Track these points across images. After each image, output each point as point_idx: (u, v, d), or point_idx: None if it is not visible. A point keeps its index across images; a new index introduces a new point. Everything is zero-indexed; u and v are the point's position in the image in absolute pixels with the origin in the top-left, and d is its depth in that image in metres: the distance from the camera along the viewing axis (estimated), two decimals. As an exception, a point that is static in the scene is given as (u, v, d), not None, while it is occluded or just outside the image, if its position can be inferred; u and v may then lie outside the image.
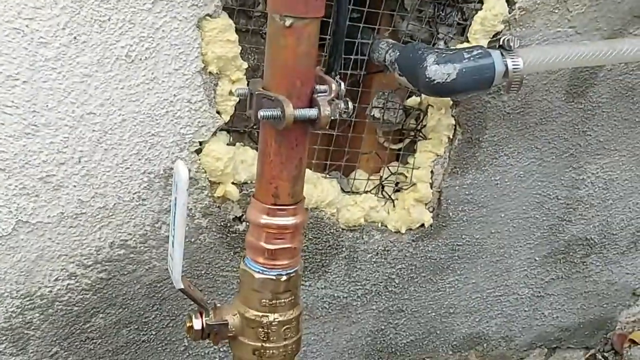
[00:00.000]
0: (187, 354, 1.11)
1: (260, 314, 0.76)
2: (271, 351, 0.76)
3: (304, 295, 1.17)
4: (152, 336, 1.07)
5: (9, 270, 0.92)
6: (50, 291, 0.96)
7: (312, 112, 0.69)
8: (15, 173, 0.87)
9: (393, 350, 1.33)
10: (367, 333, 1.28)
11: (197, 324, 0.76)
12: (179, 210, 0.70)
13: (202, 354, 1.13)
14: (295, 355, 0.79)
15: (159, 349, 1.09)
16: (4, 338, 0.95)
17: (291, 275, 0.76)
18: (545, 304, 1.46)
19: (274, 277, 0.75)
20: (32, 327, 0.97)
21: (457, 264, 1.30)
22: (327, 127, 1.09)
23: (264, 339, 0.76)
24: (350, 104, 0.74)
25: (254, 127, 1.04)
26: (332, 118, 0.71)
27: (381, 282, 1.24)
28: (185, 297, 1.00)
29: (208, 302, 0.77)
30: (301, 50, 0.68)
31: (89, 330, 1.01)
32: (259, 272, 0.75)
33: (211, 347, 1.13)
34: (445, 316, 1.35)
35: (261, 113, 0.67)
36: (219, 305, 0.78)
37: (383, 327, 1.29)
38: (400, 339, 1.33)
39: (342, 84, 0.71)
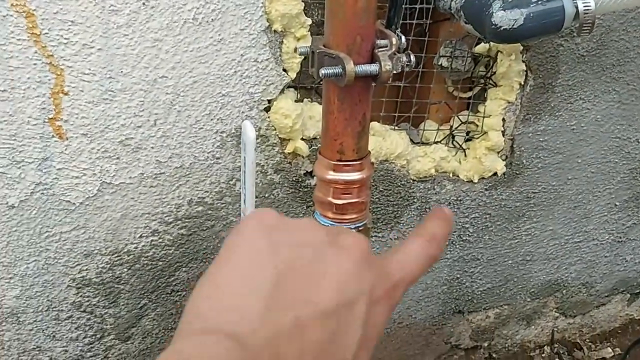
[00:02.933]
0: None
1: (331, 265, 0.78)
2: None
3: (378, 246, 1.19)
4: (232, 288, 1.12)
5: (97, 229, 0.98)
6: (136, 247, 1.02)
7: (373, 68, 0.69)
8: (96, 137, 0.92)
9: (470, 298, 1.34)
10: (442, 282, 1.29)
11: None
12: (248, 169, 0.72)
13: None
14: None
15: (240, 299, 1.14)
16: (97, 292, 1.02)
17: (360, 228, 0.77)
18: (627, 249, 1.43)
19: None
20: (122, 282, 1.03)
21: (533, 211, 1.28)
22: (395, 79, 1.09)
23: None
24: (413, 57, 0.73)
25: (320, 83, 1.05)
26: (395, 72, 0.71)
27: (455, 232, 1.24)
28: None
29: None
30: (359, 6, 0.67)
31: (173, 283, 1.07)
32: (328, 226, 0.77)
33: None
34: (523, 264, 1.35)
35: (322, 71, 0.68)
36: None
37: (459, 276, 1.30)
38: (477, 287, 1.33)
39: (403, 37, 0.71)
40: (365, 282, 0.39)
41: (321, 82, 1.03)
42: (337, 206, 0.76)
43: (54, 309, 1.01)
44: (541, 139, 1.20)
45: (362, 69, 0.68)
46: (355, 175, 0.76)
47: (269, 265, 0.37)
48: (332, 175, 0.76)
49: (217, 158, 1.01)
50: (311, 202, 1.10)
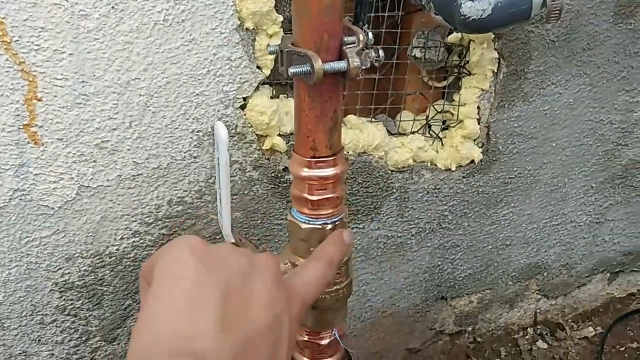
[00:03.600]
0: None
1: (309, 261, 0.79)
2: (323, 296, 0.80)
3: (359, 237, 1.21)
4: (215, 285, 1.13)
5: (77, 232, 0.98)
6: (117, 249, 1.02)
7: (341, 65, 0.69)
8: (72, 141, 0.92)
9: (452, 284, 1.36)
10: (424, 269, 1.31)
11: (250, 274, 0.80)
12: (222, 169, 0.73)
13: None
14: (347, 299, 0.82)
15: (223, 296, 1.14)
16: (80, 295, 1.03)
17: (336, 223, 0.78)
18: (605, 230, 1.45)
19: (319, 226, 0.77)
20: (105, 284, 1.04)
21: (510, 196, 1.30)
22: (369, 72, 1.10)
23: (315, 284, 0.79)
24: (382, 52, 0.74)
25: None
26: (363, 67, 0.72)
27: (434, 220, 1.26)
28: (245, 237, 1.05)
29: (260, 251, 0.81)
30: (325, 3, 0.68)
31: (156, 282, 1.07)
32: (304, 222, 0.78)
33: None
34: (502, 248, 1.36)
35: (291, 70, 0.69)
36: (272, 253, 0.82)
37: (439, 263, 1.32)
38: (458, 273, 1.35)
39: (370, 33, 0.72)
40: (284, 299, 0.45)
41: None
42: (312, 202, 0.77)
43: (38, 313, 1.02)
44: (515, 125, 1.22)
45: (331, 67, 0.69)
46: (329, 171, 0.77)
47: (212, 287, 0.40)
48: (306, 172, 0.77)
49: (195, 157, 1.01)
50: (290, 197, 1.11)
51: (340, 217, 0.80)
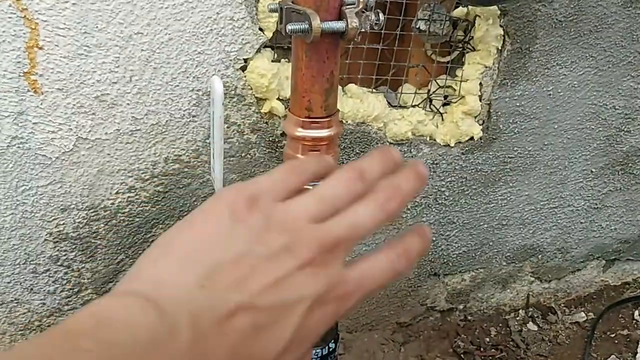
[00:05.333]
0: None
1: (298, 220, 0.79)
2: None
3: (354, 208, 1.21)
4: (209, 245, 1.13)
5: (74, 184, 0.99)
6: (113, 203, 1.03)
7: (339, 25, 0.70)
8: (72, 92, 0.93)
9: (445, 261, 1.36)
10: (418, 244, 1.31)
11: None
12: (216, 123, 0.74)
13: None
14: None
15: (216, 257, 1.15)
16: (74, 247, 1.04)
17: (327, 184, 0.79)
18: (602, 216, 1.45)
19: (310, 187, 0.78)
20: (99, 237, 1.05)
21: (509, 176, 1.30)
22: (373, 41, 1.10)
23: (303, 244, 0.80)
24: (382, 16, 0.74)
25: (299, 43, 1.06)
26: (362, 30, 0.72)
27: (431, 195, 1.26)
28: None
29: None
30: (327, -38, 0.68)
31: (150, 239, 1.09)
32: (295, 182, 0.78)
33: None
34: (498, 228, 1.37)
35: (289, 27, 0.69)
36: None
37: (434, 239, 1.32)
38: (453, 250, 1.35)
39: (371, -5, 0.72)
40: (308, 288, 0.39)
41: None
42: (305, 162, 0.78)
43: (32, 262, 1.03)
44: (518, 104, 1.21)
45: (329, 26, 0.69)
46: (323, 133, 0.77)
47: (220, 248, 0.38)
48: (300, 132, 0.77)
49: (194, 116, 1.02)
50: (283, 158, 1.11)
51: (332, 179, 0.80)
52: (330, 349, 0.86)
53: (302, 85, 0.75)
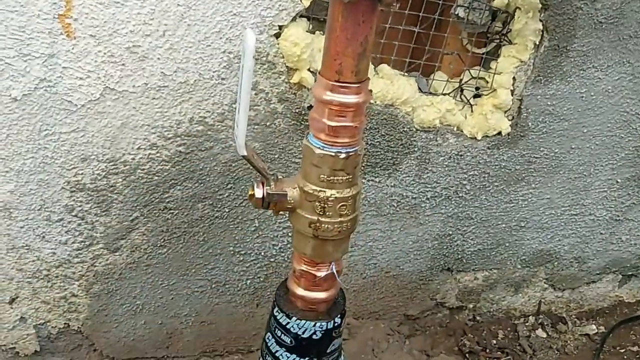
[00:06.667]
0: (257, 234, 1.17)
1: (318, 188, 0.78)
2: (326, 225, 0.79)
3: (373, 191, 1.20)
4: (225, 213, 1.13)
5: (96, 134, 0.99)
6: (133, 159, 1.03)
7: (379, -14, 0.68)
8: (104, 40, 0.92)
9: (459, 257, 1.34)
10: (434, 236, 1.29)
11: (259, 192, 0.80)
12: (245, 77, 0.73)
13: (272, 235, 1.18)
14: (350, 233, 0.82)
15: (231, 226, 1.15)
16: (90, 198, 1.04)
17: (350, 153, 0.78)
18: (623, 229, 1.42)
19: (333, 154, 0.77)
20: (115, 191, 1.04)
21: (532, 176, 1.28)
22: (409, 23, 1.08)
23: (320, 213, 0.79)
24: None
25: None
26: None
27: (452, 187, 1.24)
28: (251, 168, 1.04)
29: (271, 174, 0.81)
30: None
31: (167, 200, 1.08)
32: (319, 147, 0.77)
33: (281, 229, 1.18)
34: (516, 229, 1.34)
35: (329, -17, 0.68)
36: (280, 177, 0.81)
37: (450, 233, 1.30)
38: (468, 247, 1.33)
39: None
40: None
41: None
42: (330, 128, 0.77)
43: (47, 209, 1.02)
44: (549, 103, 1.19)
45: (368, -14, 0.68)
46: (351, 98, 0.76)
47: None
48: (328, 95, 0.76)
49: (223, 79, 1.01)
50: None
51: (356, 149, 0.79)
52: (336, 324, 0.85)
53: (335, 48, 0.74)
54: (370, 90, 0.79)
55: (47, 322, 1.13)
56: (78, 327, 1.15)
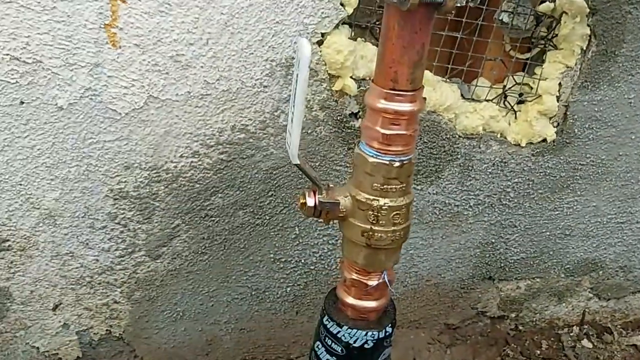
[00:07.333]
0: (298, 242, 1.16)
1: (372, 197, 0.77)
2: (379, 234, 0.78)
3: (415, 199, 1.18)
4: (265, 220, 1.12)
5: (140, 142, 0.98)
6: (175, 166, 1.02)
7: (438, -6, 0.67)
8: (148, 49, 0.92)
9: (502, 265, 1.32)
10: (476, 244, 1.27)
11: (310, 201, 0.79)
12: (299, 86, 0.71)
13: (312, 243, 1.16)
14: (402, 242, 0.80)
15: (272, 233, 1.13)
16: (132, 206, 1.03)
17: (404, 162, 0.76)
18: (670, 238, 1.39)
19: (387, 162, 0.76)
20: (158, 199, 1.04)
21: (578, 184, 1.25)
22: (452, 29, 1.07)
23: (373, 222, 0.77)
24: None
25: (376, 22, 1.03)
26: (459, 5, 0.69)
27: (495, 194, 1.22)
28: (301, 176, 1.03)
29: (322, 182, 0.79)
30: None
31: (208, 207, 1.07)
32: (373, 156, 0.76)
33: (321, 237, 1.16)
34: (561, 237, 1.32)
35: (386, -10, 0.66)
36: (332, 185, 0.80)
37: (493, 241, 1.28)
38: (511, 255, 1.31)
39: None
40: None
41: (377, 22, 1.02)
42: (384, 136, 0.75)
43: (90, 216, 1.02)
44: (596, 109, 1.16)
45: (428, -6, 0.67)
46: (406, 107, 0.74)
47: None
48: (383, 103, 0.74)
49: (265, 86, 1.00)
50: (353, 144, 1.08)
51: (410, 157, 0.77)
52: (387, 333, 0.83)
53: (391, 56, 0.73)
54: (424, 98, 0.78)
55: (89, 329, 1.13)
56: (119, 333, 1.15)
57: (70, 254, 1.04)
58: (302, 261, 1.18)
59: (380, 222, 0.77)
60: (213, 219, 1.08)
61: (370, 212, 0.77)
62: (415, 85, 0.75)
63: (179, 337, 1.18)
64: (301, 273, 1.19)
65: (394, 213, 0.77)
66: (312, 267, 1.19)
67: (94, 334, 1.13)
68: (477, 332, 1.37)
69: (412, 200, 0.79)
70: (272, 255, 1.15)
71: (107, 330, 1.14)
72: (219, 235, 1.10)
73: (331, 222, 0.82)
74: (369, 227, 0.77)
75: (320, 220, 0.80)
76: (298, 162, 0.76)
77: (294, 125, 0.74)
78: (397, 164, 0.76)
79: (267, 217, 1.12)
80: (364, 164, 0.77)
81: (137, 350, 1.17)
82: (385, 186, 0.76)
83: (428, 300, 1.31)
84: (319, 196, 0.79)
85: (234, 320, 1.20)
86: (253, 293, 1.18)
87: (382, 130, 0.75)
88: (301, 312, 1.24)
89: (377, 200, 0.77)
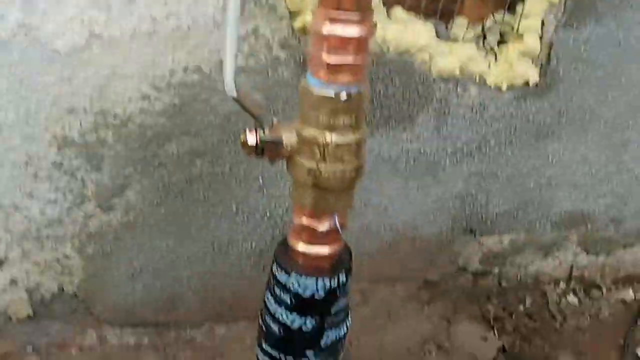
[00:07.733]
0: (262, 194, 1.09)
1: (317, 132, 0.70)
2: (327, 174, 0.71)
3: (387, 146, 1.11)
4: (226, 170, 1.05)
5: (83, 84, 0.92)
6: (124, 111, 0.95)
7: None
8: (85, -21, 0.85)
9: (484, 218, 1.25)
10: (455, 195, 1.20)
11: (251, 138, 0.72)
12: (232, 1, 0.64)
13: (278, 194, 1.10)
14: (353, 183, 0.74)
15: (233, 184, 1.07)
16: (79, 154, 0.97)
17: (352, 93, 0.69)
18: (664, 188, 1.31)
19: (332, 95, 0.69)
20: (106, 146, 0.97)
21: (563, 130, 1.18)
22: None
23: (320, 159, 0.71)
24: None
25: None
26: None
27: (474, 142, 1.15)
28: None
29: (268, 118, 0.73)
30: None
31: (162, 155, 1.01)
32: (318, 86, 0.69)
33: (288, 187, 1.10)
34: (546, 188, 1.25)
35: None
36: (276, 121, 0.73)
37: (473, 192, 1.21)
38: (492, 207, 1.24)
39: None
40: None
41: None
42: (329, 65, 0.68)
43: (33, 165, 0.96)
44: (582, 49, 1.09)
45: None
46: (353, 30, 0.67)
47: None
48: (328, 27, 0.67)
49: (219, 24, 0.93)
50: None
51: (358, 89, 0.70)
52: (341, 282, 0.77)
53: (334, -29, 0.65)
54: (375, 24, 0.70)
55: (39, 285, 1.07)
56: (73, 290, 1.09)
57: (13, 206, 0.98)
58: (268, 213, 1.12)
59: (327, 159, 0.70)
60: (168, 168, 1.02)
61: (317, 149, 0.70)
62: (363, 8, 0.68)
63: (138, 294, 1.13)
64: (267, 226, 1.13)
65: (342, 150, 0.70)
66: (278, 220, 1.13)
67: (45, 290, 1.08)
68: (458, 288, 1.31)
69: (364, 137, 0.72)
70: (234, 208, 1.09)
71: (59, 286, 1.08)
72: (175, 185, 1.04)
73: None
74: (315, 165, 0.71)
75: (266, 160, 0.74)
76: (235, 95, 0.69)
77: (227, 50, 0.67)
78: (344, 95, 0.69)
79: (228, 167, 1.05)
80: (309, 96, 0.69)
81: (93, 308, 1.12)
82: (332, 120, 0.69)
83: (406, 255, 1.25)
84: (261, 133, 0.72)
85: (196, 277, 1.14)
86: (215, 248, 1.12)
87: (327, 58, 0.68)
88: (268, 268, 1.18)
89: (324, 134, 0.70)
